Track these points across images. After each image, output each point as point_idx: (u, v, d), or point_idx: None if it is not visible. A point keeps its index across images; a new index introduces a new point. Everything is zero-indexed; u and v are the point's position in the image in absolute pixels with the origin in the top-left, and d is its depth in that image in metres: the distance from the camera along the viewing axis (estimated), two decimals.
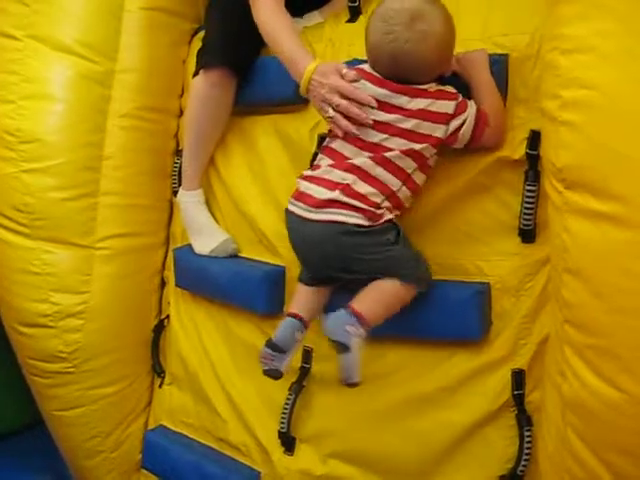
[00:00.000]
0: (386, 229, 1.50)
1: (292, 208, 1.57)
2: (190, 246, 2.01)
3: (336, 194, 1.47)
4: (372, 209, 1.47)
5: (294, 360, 1.68)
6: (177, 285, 2.09)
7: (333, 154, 1.54)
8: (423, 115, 1.46)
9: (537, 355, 1.51)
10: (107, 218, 2.02)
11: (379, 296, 1.49)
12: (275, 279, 1.83)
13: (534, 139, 1.49)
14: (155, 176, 2.13)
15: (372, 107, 1.47)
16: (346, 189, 1.47)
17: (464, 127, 1.47)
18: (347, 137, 1.51)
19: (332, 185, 1.49)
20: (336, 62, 1.58)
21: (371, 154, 1.48)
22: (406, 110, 1.46)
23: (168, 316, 2.18)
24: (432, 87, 1.48)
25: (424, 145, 1.47)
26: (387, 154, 1.47)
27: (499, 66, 1.51)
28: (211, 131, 1.92)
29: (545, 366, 1.45)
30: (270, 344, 1.56)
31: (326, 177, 1.51)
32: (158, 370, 2.20)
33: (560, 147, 1.16)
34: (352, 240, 1.48)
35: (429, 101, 1.46)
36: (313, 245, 1.53)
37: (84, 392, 2.08)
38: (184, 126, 2.06)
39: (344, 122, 1.48)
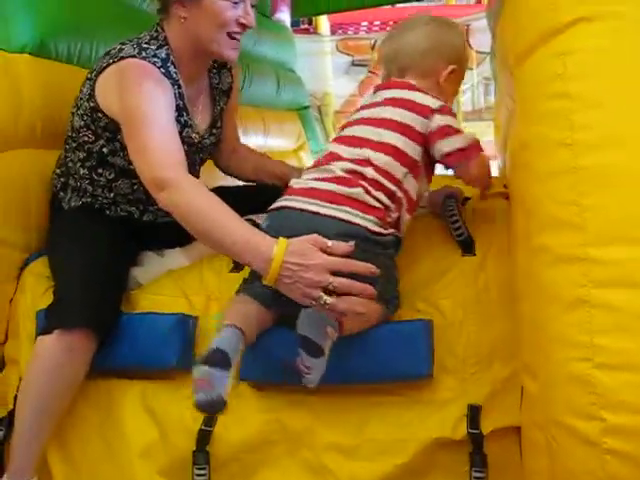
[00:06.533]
0: (390, 242, 1.40)
1: (293, 204, 1.40)
2: None
3: (358, 191, 1.37)
4: (385, 211, 1.38)
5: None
6: None
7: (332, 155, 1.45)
8: (403, 104, 1.45)
9: None
10: None
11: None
12: None
13: (475, 415, 1.35)
14: None
15: (375, 275, 1.29)
16: (368, 186, 1.38)
17: (454, 136, 1.42)
18: (342, 139, 1.48)
19: (353, 182, 1.38)
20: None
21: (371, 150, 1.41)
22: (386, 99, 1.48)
23: None
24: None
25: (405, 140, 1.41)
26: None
27: (422, 333, 1.39)
28: (60, 404, 1.46)
29: None
30: (211, 356, 1.23)
31: (339, 174, 1.40)
32: None
33: None
34: (361, 245, 1.31)
35: (412, 92, 1.46)
36: None
37: None
38: (8, 391, 1.60)
39: (344, 305, 1.24)
